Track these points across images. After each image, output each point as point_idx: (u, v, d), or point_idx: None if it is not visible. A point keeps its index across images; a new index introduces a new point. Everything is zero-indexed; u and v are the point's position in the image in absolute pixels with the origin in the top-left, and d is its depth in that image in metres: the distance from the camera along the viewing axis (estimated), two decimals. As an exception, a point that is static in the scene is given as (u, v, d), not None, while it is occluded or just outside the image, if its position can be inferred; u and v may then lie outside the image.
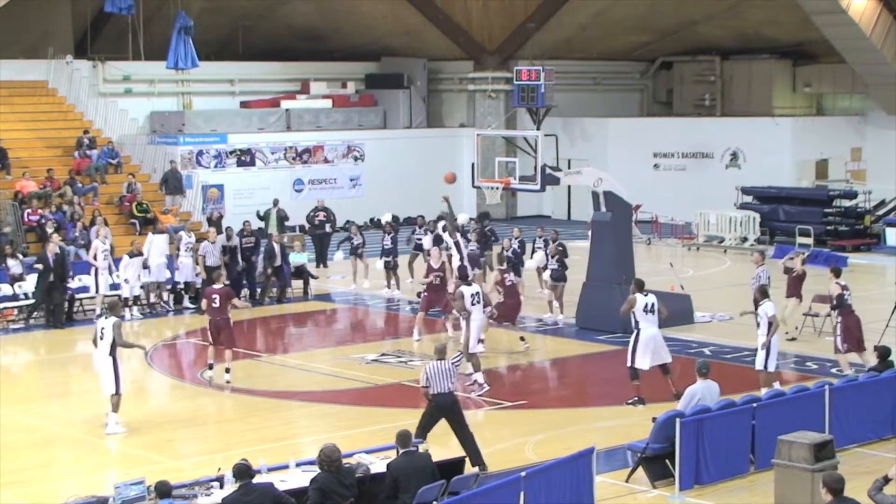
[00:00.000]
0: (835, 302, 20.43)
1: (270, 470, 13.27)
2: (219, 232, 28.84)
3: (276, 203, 34.60)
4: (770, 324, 18.46)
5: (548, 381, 22.04)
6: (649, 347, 18.64)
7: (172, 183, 34.88)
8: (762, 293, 18.92)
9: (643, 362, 18.62)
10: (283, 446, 16.45)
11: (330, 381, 21.03)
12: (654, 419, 15.23)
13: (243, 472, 11.87)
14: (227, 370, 20.63)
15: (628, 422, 17.68)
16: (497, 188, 25.83)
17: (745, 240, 37.11)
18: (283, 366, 22.23)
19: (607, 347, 23.41)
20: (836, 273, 20.90)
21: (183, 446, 17.29)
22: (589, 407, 19.34)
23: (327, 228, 33.12)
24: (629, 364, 18.74)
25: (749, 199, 39.12)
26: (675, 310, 24.91)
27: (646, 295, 18.91)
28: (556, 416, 18.67)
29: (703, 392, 15.52)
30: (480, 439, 17.30)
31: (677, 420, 14.62)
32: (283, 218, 34.20)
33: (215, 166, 38.85)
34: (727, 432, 15.02)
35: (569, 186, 38.48)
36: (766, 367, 18.58)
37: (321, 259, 33.17)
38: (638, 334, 18.70)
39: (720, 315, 23.93)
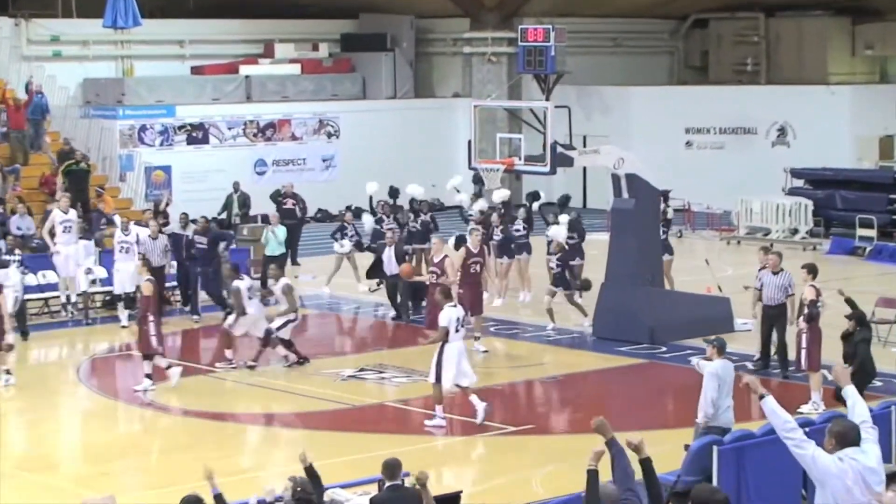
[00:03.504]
0: (807, 310, 19.94)
1: (227, 509, 13.19)
2: (165, 224, 28.65)
3: (236, 187, 34.48)
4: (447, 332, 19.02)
5: (559, 401, 22.00)
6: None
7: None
8: (444, 295, 19.63)
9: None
10: (243, 480, 16.39)
11: (299, 402, 21.00)
12: (686, 447, 15.18)
13: (193, 506, 11.80)
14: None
15: (656, 450, 17.40)
16: (498, 170, 25.78)
17: (795, 232, 37.08)
18: (243, 383, 22.17)
19: (630, 361, 23.37)
20: (813, 272, 20.52)
21: (121, 480, 17.23)
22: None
23: (297, 216, 32.90)
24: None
25: (800, 183, 39.10)
26: (712, 315, 24.91)
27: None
28: (569, 443, 18.61)
29: (724, 373, 15.84)
30: (480, 470, 17.30)
31: (714, 448, 14.56)
32: (245, 205, 34.05)
33: (161, 144, 38.77)
34: (774, 462, 14.91)
35: (584, 168, 38.38)
36: (437, 380, 18.98)
37: (290, 255, 33.04)
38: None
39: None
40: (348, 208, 31.52)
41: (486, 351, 23.88)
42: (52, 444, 19.19)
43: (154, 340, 21.31)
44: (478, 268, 24.19)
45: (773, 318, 21.97)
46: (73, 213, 27.37)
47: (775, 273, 21.96)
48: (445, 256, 23.87)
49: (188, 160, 39.02)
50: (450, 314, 19.14)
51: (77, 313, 26.64)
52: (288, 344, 22.84)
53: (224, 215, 34.87)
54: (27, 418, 20.22)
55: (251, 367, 22.60)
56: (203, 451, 18.38)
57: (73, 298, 26.67)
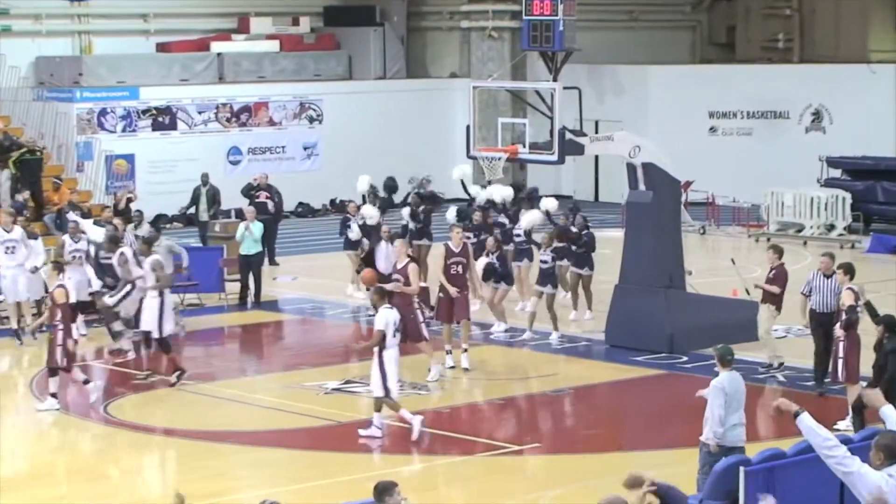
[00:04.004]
0: (845, 316, 20.02)
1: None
2: (128, 221, 28.62)
3: (205, 180, 34.40)
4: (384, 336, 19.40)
5: (568, 417, 22.04)
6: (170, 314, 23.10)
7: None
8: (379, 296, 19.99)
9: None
10: (215, 505, 16.44)
11: (277, 418, 21.04)
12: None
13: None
14: None
15: (674, 471, 17.59)
16: (500, 159, 25.80)
17: (831, 228, 37.09)
18: (215, 397, 22.23)
19: (646, 371, 23.42)
20: (850, 273, 20.65)
21: (80, 505, 17.29)
22: (622, 451, 19.33)
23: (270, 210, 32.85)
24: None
25: (837, 173, 39.14)
26: (739, 321, 24.91)
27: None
28: (580, 463, 18.71)
29: (730, 386, 15.79)
30: (482, 492, 17.30)
31: (741, 469, 14.59)
32: (215, 201, 33.99)
33: (123, 130, 38.78)
34: (809, 484, 14.93)
35: (596, 157, 38.42)
36: (386, 392, 19.33)
37: (268, 254, 33.05)
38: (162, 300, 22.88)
39: (798, 328, 23.89)
40: (349, 201, 31.53)
41: (466, 369, 23.46)
42: (4, 464, 19.17)
43: (59, 354, 21.09)
44: (459, 269, 23.66)
45: (827, 325, 21.84)
46: (17, 231, 25.82)
47: (828, 276, 21.74)
48: (409, 261, 23.01)
49: (154, 148, 39.01)
50: (386, 317, 19.32)
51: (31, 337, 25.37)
52: (165, 347, 23.02)
53: (193, 210, 34.76)
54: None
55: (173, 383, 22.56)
56: (169, 472, 18.49)
57: (26, 324, 25.30)
